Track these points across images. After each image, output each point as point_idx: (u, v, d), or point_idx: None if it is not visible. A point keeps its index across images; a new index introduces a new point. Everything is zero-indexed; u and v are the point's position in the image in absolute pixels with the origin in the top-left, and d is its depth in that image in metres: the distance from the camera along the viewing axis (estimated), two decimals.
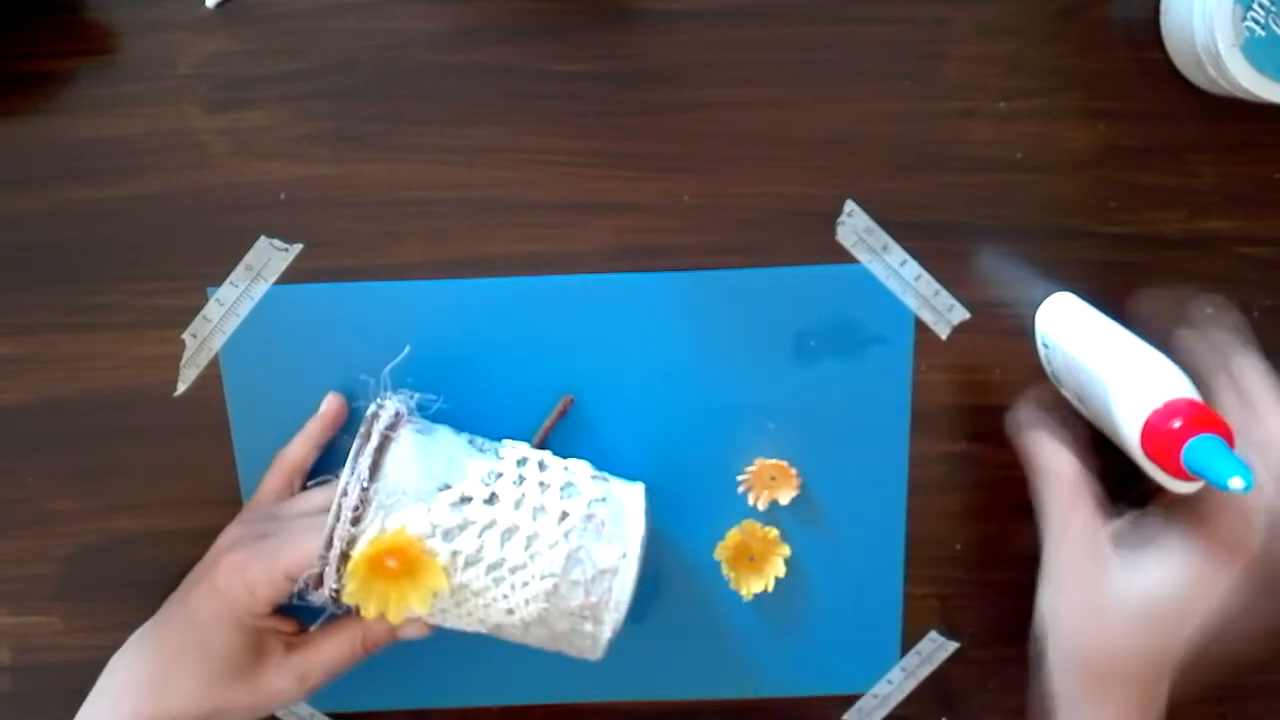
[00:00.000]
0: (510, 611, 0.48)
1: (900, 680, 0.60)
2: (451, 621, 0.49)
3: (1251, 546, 0.46)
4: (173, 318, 0.55)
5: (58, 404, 0.56)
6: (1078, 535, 0.49)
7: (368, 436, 0.49)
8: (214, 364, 0.56)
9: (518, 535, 0.48)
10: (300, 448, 0.55)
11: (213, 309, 0.55)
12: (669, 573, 0.58)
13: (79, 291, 0.55)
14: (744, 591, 0.57)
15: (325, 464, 0.56)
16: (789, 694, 0.60)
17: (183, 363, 0.56)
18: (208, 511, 0.56)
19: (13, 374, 0.56)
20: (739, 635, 0.59)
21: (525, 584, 0.48)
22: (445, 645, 0.54)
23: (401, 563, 0.47)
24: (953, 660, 0.60)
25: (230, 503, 0.57)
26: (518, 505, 0.49)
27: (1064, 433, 0.51)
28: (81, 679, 0.53)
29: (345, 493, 0.47)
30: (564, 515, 0.49)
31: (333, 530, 0.47)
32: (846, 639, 0.59)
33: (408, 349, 0.54)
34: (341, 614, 0.51)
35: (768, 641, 0.59)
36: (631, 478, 0.54)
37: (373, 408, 0.50)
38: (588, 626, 0.49)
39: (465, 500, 0.48)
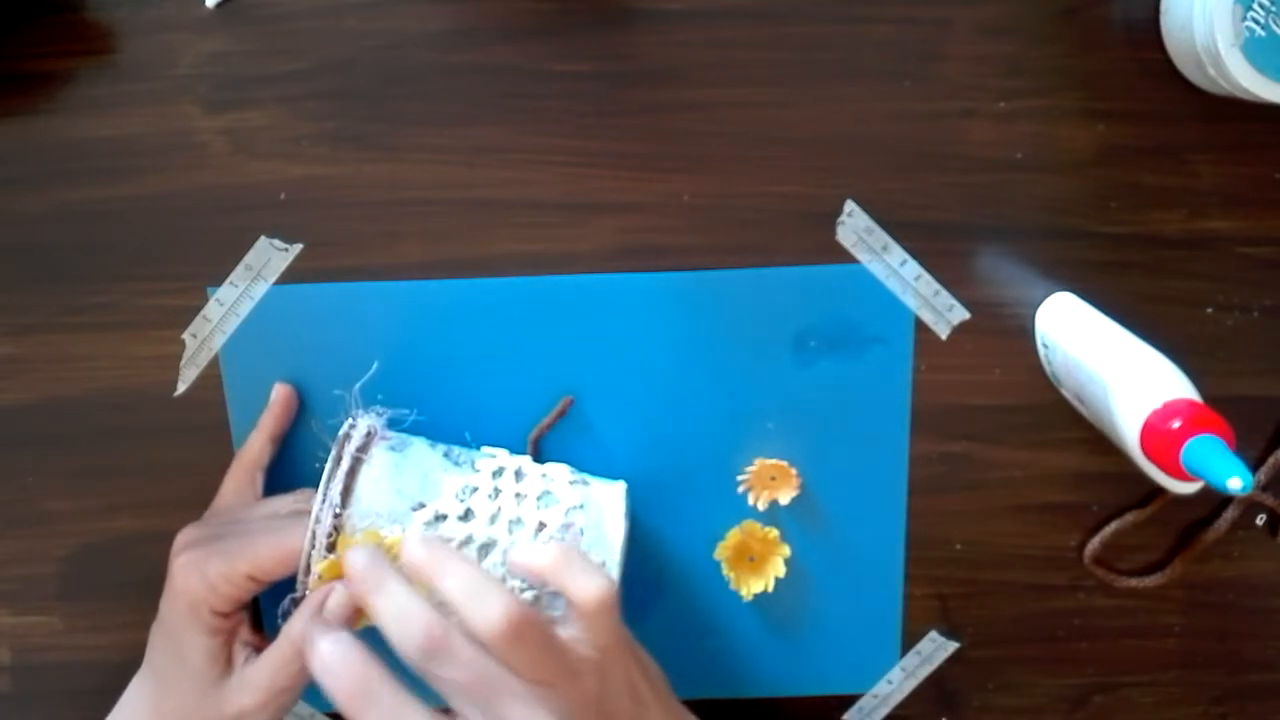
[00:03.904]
0: None
1: (900, 680, 0.60)
2: None
3: None
4: (173, 318, 0.55)
5: (58, 404, 0.56)
6: None
7: (339, 460, 0.48)
8: (214, 364, 0.56)
9: (495, 550, 0.48)
10: (255, 443, 0.54)
11: (213, 309, 0.55)
12: (669, 573, 0.58)
13: (79, 291, 0.55)
14: (744, 591, 0.57)
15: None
16: (789, 694, 0.60)
17: (183, 363, 0.56)
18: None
19: (13, 374, 0.56)
20: (739, 635, 0.59)
21: None
22: None
23: None
24: (953, 660, 0.60)
25: None
26: (493, 520, 0.48)
27: None
28: (81, 679, 0.53)
29: (318, 519, 0.47)
30: (541, 526, 0.49)
31: (309, 557, 0.47)
32: (846, 639, 0.59)
33: (376, 365, 0.54)
34: None
35: (768, 641, 0.59)
36: (631, 478, 0.54)
37: (344, 428, 0.49)
38: None
39: (440, 518, 0.48)
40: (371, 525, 0.47)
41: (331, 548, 0.47)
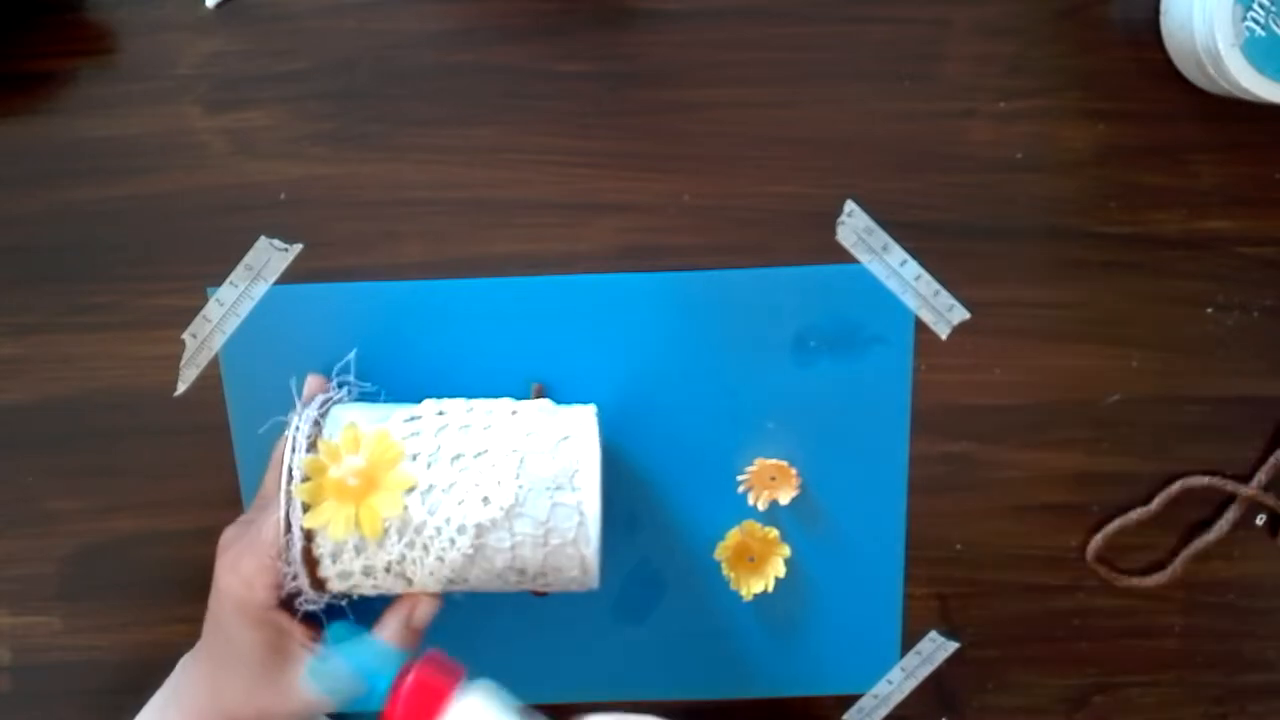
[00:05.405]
0: (486, 500, 0.48)
1: (900, 680, 0.60)
2: (435, 545, 0.49)
3: None
4: (173, 318, 0.55)
5: (58, 404, 0.56)
6: None
7: (309, 401, 0.50)
8: (214, 364, 0.56)
9: (474, 428, 0.49)
10: None
11: (213, 309, 0.55)
12: (669, 573, 0.58)
13: (79, 291, 0.55)
14: (744, 591, 0.57)
15: None
16: (789, 694, 0.60)
17: (183, 363, 0.56)
18: (208, 511, 0.56)
19: (13, 374, 0.56)
20: (739, 635, 0.59)
21: (493, 465, 0.48)
22: (446, 645, 0.53)
23: (364, 474, 0.47)
24: (953, 660, 0.60)
25: (230, 503, 0.57)
26: (469, 411, 0.50)
27: None
28: (82, 679, 0.53)
29: (297, 428, 0.48)
30: (514, 412, 0.50)
31: (290, 465, 0.47)
32: (846, 639, 0.59)
33: (354, 352, 0.54)
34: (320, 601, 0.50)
35: (768, 641, 0.59)
36: (632, 478, 0.54)
37: (319, 397, 0.52)
38: (567, 498, 0.48)
39: (416, 419, 0.49)
40: (350, 423, 0.48)
41: (312, 447, 0.48)
